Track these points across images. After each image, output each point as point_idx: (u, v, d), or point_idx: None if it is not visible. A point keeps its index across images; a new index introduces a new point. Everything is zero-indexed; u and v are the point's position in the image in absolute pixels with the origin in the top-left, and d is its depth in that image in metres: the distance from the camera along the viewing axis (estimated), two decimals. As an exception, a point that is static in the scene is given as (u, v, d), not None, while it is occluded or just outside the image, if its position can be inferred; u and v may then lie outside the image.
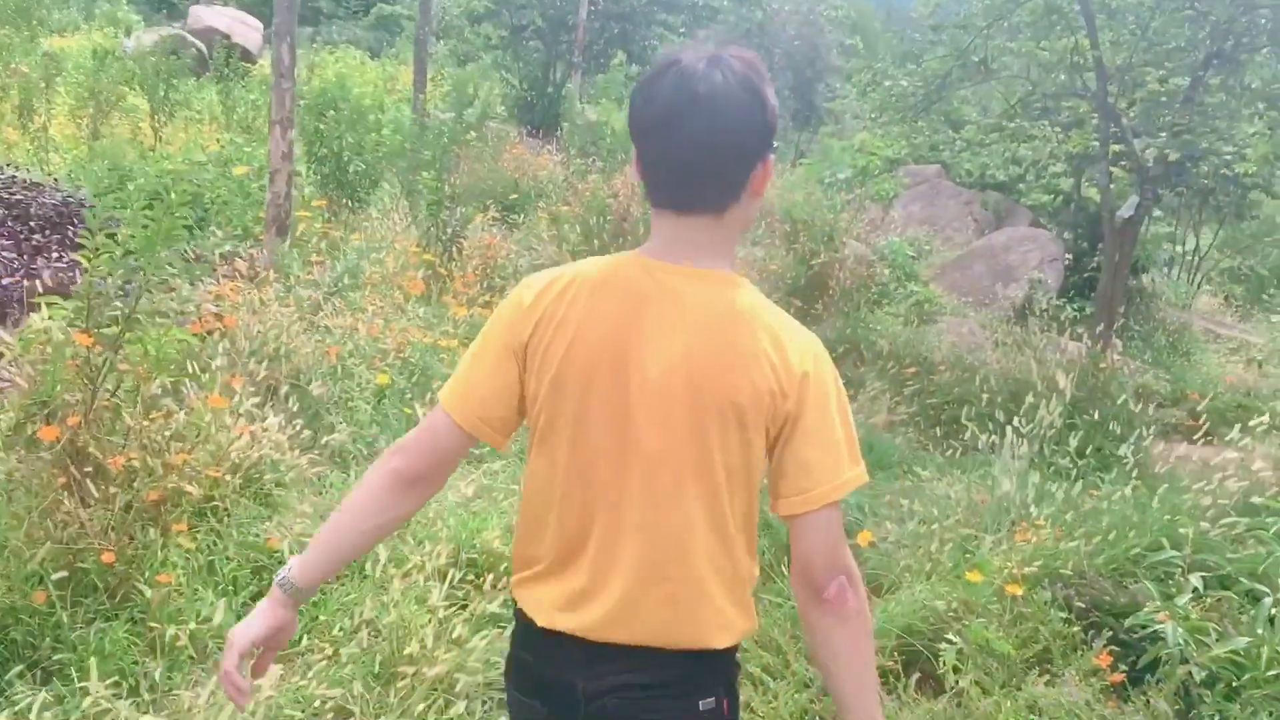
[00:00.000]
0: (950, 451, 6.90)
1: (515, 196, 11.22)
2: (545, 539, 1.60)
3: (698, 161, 1.48)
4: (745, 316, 1.52)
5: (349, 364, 5.15)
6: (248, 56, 20.36)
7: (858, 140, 15.73)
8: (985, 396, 7.11)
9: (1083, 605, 3.67)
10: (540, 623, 1.59)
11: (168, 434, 3.47)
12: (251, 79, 17.19)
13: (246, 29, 21.82)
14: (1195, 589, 3.52)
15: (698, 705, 1.58)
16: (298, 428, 4.30)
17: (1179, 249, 20.58)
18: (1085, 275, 13.79)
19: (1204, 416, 6.26)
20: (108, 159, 9.63)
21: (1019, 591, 3.39)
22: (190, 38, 19.76)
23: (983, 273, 13.74)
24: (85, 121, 11.55)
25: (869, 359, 8.68)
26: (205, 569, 3.38)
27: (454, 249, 7.58)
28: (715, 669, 1.61)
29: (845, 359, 9.13)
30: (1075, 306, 13.11)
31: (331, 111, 9.13)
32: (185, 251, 6.43)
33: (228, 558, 3.46)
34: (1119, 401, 6.36)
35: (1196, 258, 20.39)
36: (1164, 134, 7.97)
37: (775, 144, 1.55)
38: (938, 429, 7.15)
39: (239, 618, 3.39)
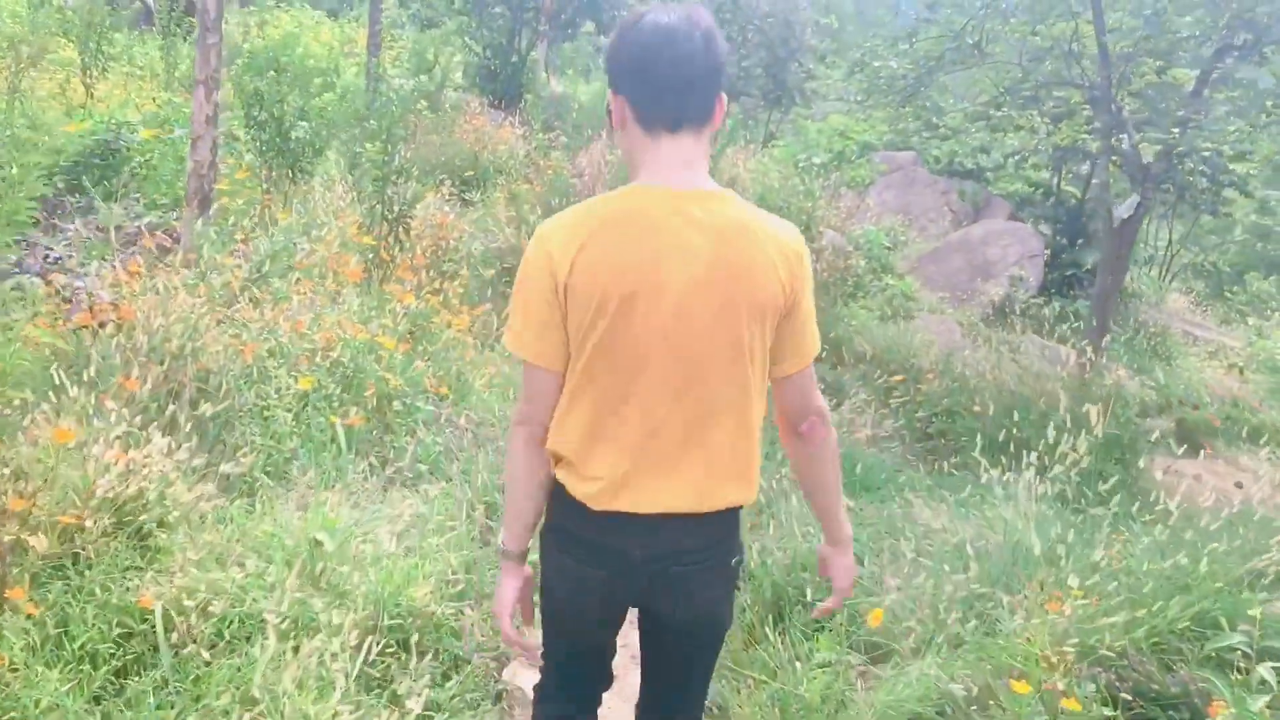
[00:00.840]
0: (940, 469, 6.33)
1: (471, 173, 10.45)
2: (595, 438, 1.86)
3: (689, 75, 1.78)
4: (750, 228, 1.82)
5: (267, 365, 4.44)
6: (196, 11, 19.38)
7: (833, 123, 15.07)
8: (978, 410, 6.54)
9: (1127, 696, 3.07)
10: (596, 508, 1.87)
11: (7, 471, 2.76)
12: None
13: (196, -17, 20.79)
14: (1264, 682, 2.93)
15: (730, 562, 2.00)
16: (195, 446, 3.58)
17: (1152, 245, 20.25)
18: (1066, 273, 13.30)
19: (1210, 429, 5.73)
20: (25, 117, 8.81)
21: (1077, 707, 2.77)
22: (135, -10, 18.80)
23: (960, 266, 13.19)
24: (3, 74, 10.63)
25: (849, 361, 8.08)
26: (54, 641, 2.69)
27: (400, 229, 6.84)
28: (735, 530, 2.00)
29: (823, 361, 8.52)
30: (1056, 305, 12.62)
31: (273, 72, 8.37)
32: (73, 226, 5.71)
33: (85, 624, 2.76)
34: (1139, 424, 5.79)
35: (1168, 255, 20.03)
36: (1176, 129, 7.39)
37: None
38: (927, 444, 6.57)
39: (96, 701, 2.74)
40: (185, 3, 19.61)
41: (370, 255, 6.24)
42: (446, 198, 10.11)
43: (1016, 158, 14.30)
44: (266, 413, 4.29)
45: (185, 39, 15.31)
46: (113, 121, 8.90)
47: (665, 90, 1.79)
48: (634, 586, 1.94)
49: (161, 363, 4.15)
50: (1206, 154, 9.81)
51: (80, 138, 8.65)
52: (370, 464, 4.56)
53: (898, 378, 6.96)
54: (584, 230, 1.79)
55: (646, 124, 1.82)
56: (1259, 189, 15.42)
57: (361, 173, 6.74)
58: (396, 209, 6.82)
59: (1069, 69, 8.98)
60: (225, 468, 3.54)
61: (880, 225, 13.74)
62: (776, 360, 1.90)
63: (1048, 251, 13.89)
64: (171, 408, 3.72)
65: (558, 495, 1.94)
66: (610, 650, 2.16)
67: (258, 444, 4.15)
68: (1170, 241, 19.83)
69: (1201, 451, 8.48)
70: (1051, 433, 4.19)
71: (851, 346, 8.31)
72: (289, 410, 4.40)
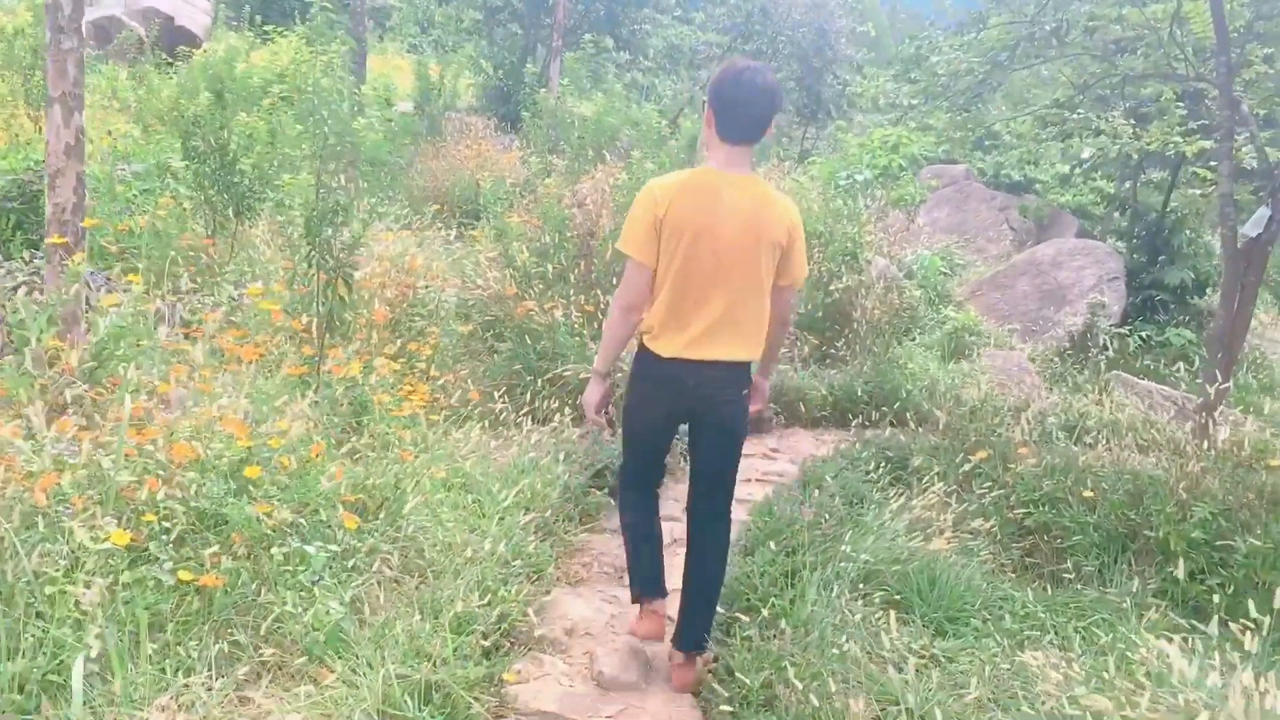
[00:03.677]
0: (1045, 579, 4.79)
1: (438, 207, 9.02)
2: (672, 315, 3.31)
3: (758, 118, 3.29)
4: (770, 198, 3.34)
5: (57, 512, 2.98)
6: (193, 40, 18.26)
7: (877, 137, 13.51)
8: (1090, 495, 4.97)
9: None
10: (665, 355, 3.33)
11: None
12: (193, 65, 14.98)
13: (192, 10, 19.66)
14: None
15: (741, 391, 3.44)
16: None
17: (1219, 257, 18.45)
18: (1151, 296, 11.62)
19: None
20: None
21: None
22: (126, 20, 17.76)
23: (1028, 292, 11.57)
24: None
25: (912, 426, 6.50)
26: None
27: (341, 282, 5.39)
28: (746, 374, 3.44)
29: (880, 422, 6.95)
30: (1143, 336, 10.97)
31: (213, 94, 7.02)
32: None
33: None
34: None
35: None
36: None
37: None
38: (1024, 543, 5.02)
39: None
40: (169, 33, 18.45)
41: (283, 325, 4.78)
42: (440, 227, 8.74)
43: (1086, 165, 12.61)
44: (51, 585, 2.84)
45: (175, 67, 14.12)
46: (33, 159, 7.61)
47: (738, 120, 3.30)
48: (685, 402, 3.41)
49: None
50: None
51: (-3, 174, 7.39)
52: (234, 644, 3.10)
53: (981, 454, 5.38)
54: (675, 188, 3.28)
55: (721, 134, 3.32)
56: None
57: (287, 214, 5.28)
58: (335, 256, 5.37)
59: (1166, 59, 7.39)
60: None
61: (934, 248, 12.16)
62: (778, 277, 3.41)
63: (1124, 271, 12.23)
64: None
65: (642, 351, 3.43)
66: (666, 452, 3.73)
67: (32, 639, 2.71)
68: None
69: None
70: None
71: (914, 404, 6.74)
72: (101, 574, 2.95)
